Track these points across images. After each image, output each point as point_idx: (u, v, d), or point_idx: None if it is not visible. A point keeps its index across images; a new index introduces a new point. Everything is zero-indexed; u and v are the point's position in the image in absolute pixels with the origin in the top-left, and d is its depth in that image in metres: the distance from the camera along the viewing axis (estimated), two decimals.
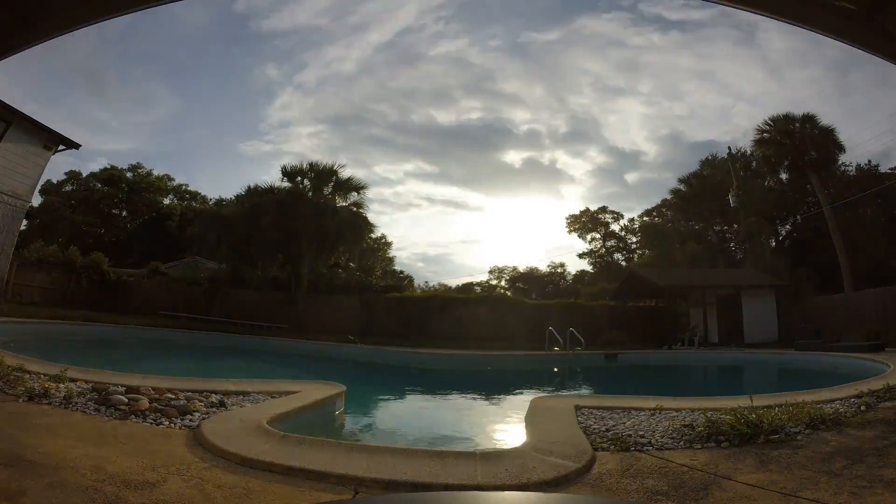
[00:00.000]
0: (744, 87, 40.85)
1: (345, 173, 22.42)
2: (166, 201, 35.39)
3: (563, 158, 53.55)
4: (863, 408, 4.83)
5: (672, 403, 5.11)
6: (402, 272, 39.50)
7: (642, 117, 45.16)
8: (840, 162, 27.31)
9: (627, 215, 43.55)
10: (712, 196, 31.93)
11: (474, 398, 9.81)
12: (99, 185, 32.26)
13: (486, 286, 44.72)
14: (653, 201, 43.02)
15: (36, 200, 23.88)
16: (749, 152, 31.12)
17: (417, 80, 43.06)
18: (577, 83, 42.40)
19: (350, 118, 44.73)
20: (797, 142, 25.48)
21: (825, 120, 25.49)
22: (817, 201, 25.98)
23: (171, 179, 36.50)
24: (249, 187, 23.06)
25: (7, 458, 2.72)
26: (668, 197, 37.57)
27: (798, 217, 29.67)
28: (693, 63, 39.24)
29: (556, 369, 13.27)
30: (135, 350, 12.84)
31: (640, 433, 4.08)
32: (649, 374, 13.61)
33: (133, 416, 4.10)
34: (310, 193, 22.08)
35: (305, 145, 43.23)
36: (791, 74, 37.25)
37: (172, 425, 3.98)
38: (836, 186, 27.58)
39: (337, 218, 21.23)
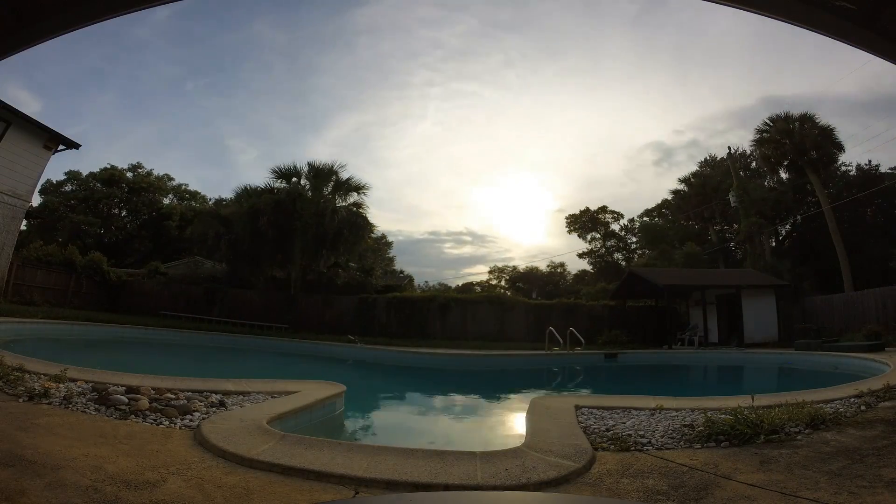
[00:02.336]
0: None
1: (344, 174, 22.46)
2: (166, 201, 35.33)
3: None
4: (863, 407, 4.84)
5: (672, 403, 5.11)
6: (402, 272, 39.52)
7: None
8: (840, 161, 27.37)
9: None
10: (712, 196, 31.99)
11: (474, 398, 9.82)
12: (99, 185, 32.22)
13: (486, 286, 44.81)
14: (653, 201, 42.97)
15: (36, 200, 23.90)
16: (749, 152, 31.19)
17: None
18: None
19: None
20: (797, 141, 25.52)
21: (824, 119, 25.58)
22: (817, 201, 26.00)
23: (170, 179, 36.50)
24: (248, 187, 23.09)
25: (7, 458, 2.71)
26: (668, 197, 37.70)
27: (798, 217, 29.68)
28: None
29: (555, 369, 13.27)
30: (135, 350, 12.84)
31: (640, 433, 4.08)
32: (649, 374, 13.62)
33: (133, 416, 4.10)
34: (309, 193, 22.08)
35: None
36: None
37: (172, 425, 3.98)
38: (836, 186, 27.61)
39: (337, 218, 21.22)
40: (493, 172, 60.73)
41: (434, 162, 55.92)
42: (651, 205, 40.85)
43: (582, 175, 57.05)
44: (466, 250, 62.60)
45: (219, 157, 51.60)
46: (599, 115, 49.51)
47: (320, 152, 49.66)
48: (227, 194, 37.73)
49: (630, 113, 48.39)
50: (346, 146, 49.00)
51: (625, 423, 4.48)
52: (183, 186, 37.30)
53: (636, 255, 40.14)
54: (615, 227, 42.45)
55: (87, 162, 44.25)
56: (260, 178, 51.46)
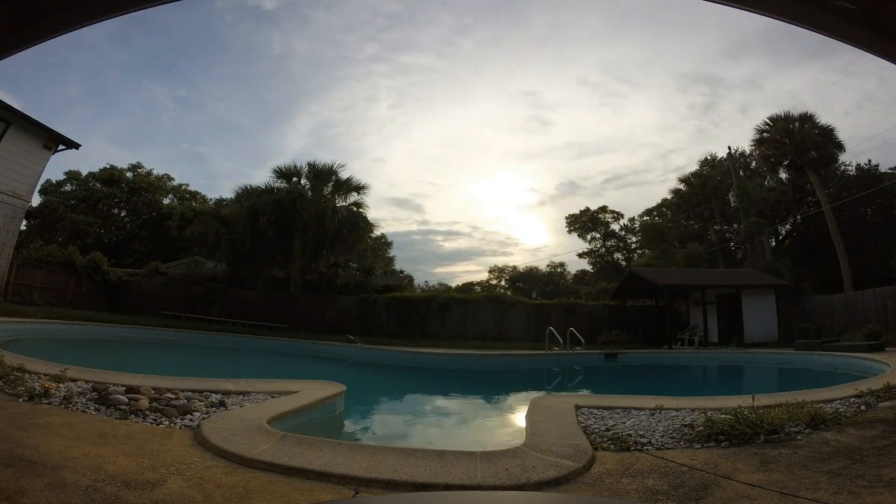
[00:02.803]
0: None
1: (344, 174, 22.47)
2: (166, 201, 35.34)
3: None
4: (863, 407, 4.84)
5: (672, 403, 5.11)
6: (402, 272, 39.52)
7: None
8: (840, 161, 27.37)
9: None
10: (712, 196, 31.98)
11: (474, 398, 9.82)
12: (99, 185, 32.22)
13: (485, 285, 44.83)
14: (653, 201, 42.95)
15: (36, 200, 23.91)
16: (749, 152, 31.18)
17: None
18: None
19: None
20: (797, 141, 25.53)
21: (825, 119, 25.60)
22: (817, 201, 26.00)
23: (170, 179, 36.52)
24: (248, 187, 23.10)
25: (7, 458, 2.71)
26: (669, 196, 37.70)
27: (798, 217, 29.69)
28: None
29: (555, 369, 13.27)
30: (135, 350, 12.84)
31: (640, 433, 4.08)
32: (649, 373, 13.61)
33: (133, 416, 4.10)
34: (309, 193, 22.08)
35: None
36: None
37: (172, 425, 3.98)
38: (836, 186, 27.61)
39: (337, 218, 21.23)
40: (469, 158, 57.97)
41: (399, 149, 52.61)
42: (650, 203, 40.90)
43: (572, 152, 54.23)
44: (455, 244, 61.07)
45: (189, 151, 50.90)
46: (573, 84, 46.69)
47: (292, 144, 47.87)
48: (218, 191, 37.50)
49: (610, 86, 45.50)
50: (315, 137, 47.24)
51: (625, 422, 4.48)
52: (183, 186, 37.33)
53: (636, 255, 40.14)
54: (615, 226, 42.52)
55: (75, 159, 43.78)
56: (232, 170, 50.73)
